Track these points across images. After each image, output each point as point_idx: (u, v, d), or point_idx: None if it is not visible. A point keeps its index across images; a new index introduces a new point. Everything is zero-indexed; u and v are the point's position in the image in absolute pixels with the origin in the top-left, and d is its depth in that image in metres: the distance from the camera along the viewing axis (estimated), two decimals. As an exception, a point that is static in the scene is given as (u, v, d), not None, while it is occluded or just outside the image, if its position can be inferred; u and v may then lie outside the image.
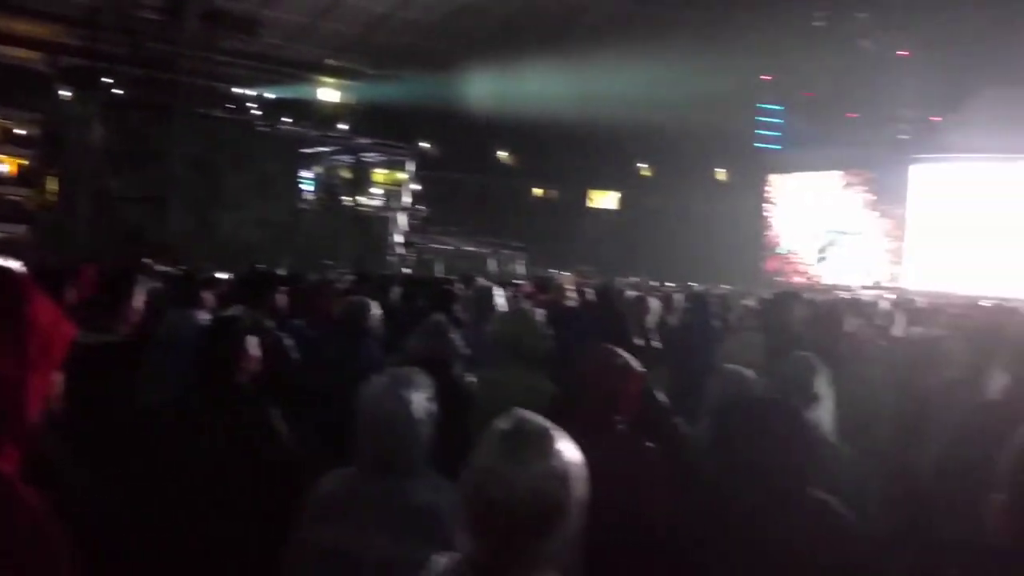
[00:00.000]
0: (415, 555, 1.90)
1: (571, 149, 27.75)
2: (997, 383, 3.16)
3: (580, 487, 1.72)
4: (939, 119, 24.15)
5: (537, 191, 31.84)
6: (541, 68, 22.80)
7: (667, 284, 14.11)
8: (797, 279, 25.39)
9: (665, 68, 21.59)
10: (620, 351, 3.22)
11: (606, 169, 29.81)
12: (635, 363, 3.19)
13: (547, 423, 1.77)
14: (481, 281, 7.28)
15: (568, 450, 1.74)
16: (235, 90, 24.26)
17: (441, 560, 1.78)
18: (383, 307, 5.32)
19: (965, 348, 3.94)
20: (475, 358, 4.56)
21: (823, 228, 26.45)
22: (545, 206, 31.16)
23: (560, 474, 1.69)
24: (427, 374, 2.65)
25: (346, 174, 25.94)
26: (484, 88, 24.35)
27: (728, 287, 13.98)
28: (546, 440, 1.73)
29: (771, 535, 2.19)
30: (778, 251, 27.60)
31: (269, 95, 24.55)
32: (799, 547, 2.17)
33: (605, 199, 32.09)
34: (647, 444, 3.05)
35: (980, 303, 10.22)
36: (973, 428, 2.72)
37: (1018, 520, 1.13)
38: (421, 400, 2.51)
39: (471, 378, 4.17)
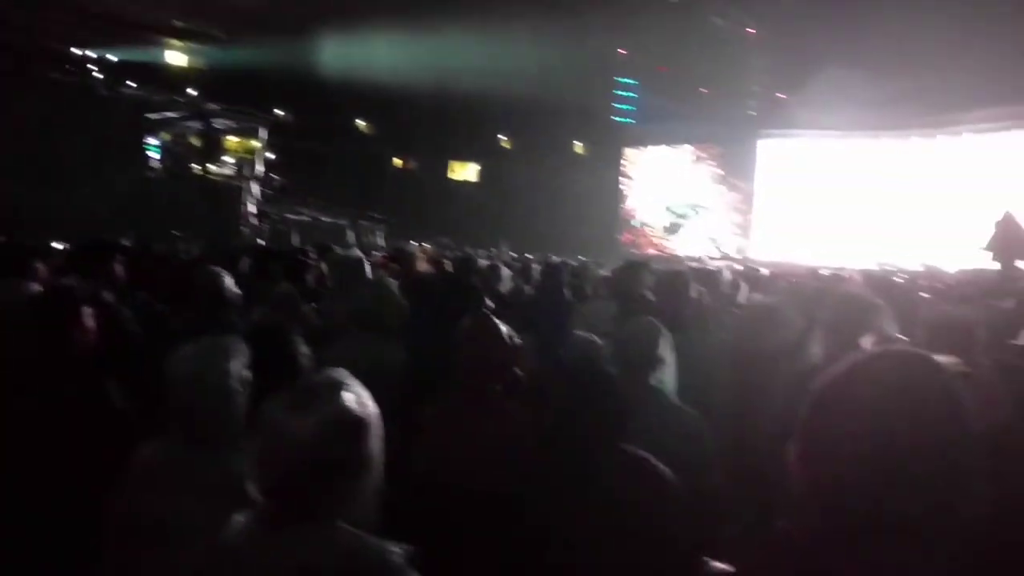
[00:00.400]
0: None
1: (431, 120, 27.52)
2: (820, 348, 3.33)
3: (368, 442, 1.69)
4: (785, 96, 25.22)
5: (397, 162, 31.48)
6: (401, 36, 22.48)
7: (527, 255, 14.27)
8: (651, 251, 26.10)
9: (524, 39, 21.71)
10: (496, 320, 3.24)
11: (467, 140, 29.76)
12: (511, 333, 3.22)
13: (342, 378, 1.74)
14: (353, 252, 7.06)
15: (357, 404, 1.70)
16: (74, 51, 22.84)
17: (238, 518, 1.74)
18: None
19: (797, 314, 4.14)
20: (329, 328, 4.51)
21: (674, 202, 27.25)
22: (405, 177, 30.84)
23: (341, 425, 1.66)
24: (261, 344, 2.58)
25: (195, 141, 24.82)
26: (341, 55, 23.80)
27: (585, 259, 14.25)
28: (331, 393, 1.69)
29: (590, 491, 2.26)
30: (633, 224, 28.29)
31: (111, 57, 23.24)
32: (615, 500, 2.26)
33: (466, 171, 32.03)
34: (519, 409, 3.09)
35: (819, 272, 10.77)
36: (796, 392, 2.86)
37: (809, 468, 1.20)
38: (236, 369, 2.41)
39: (306, 349, 4.12)
